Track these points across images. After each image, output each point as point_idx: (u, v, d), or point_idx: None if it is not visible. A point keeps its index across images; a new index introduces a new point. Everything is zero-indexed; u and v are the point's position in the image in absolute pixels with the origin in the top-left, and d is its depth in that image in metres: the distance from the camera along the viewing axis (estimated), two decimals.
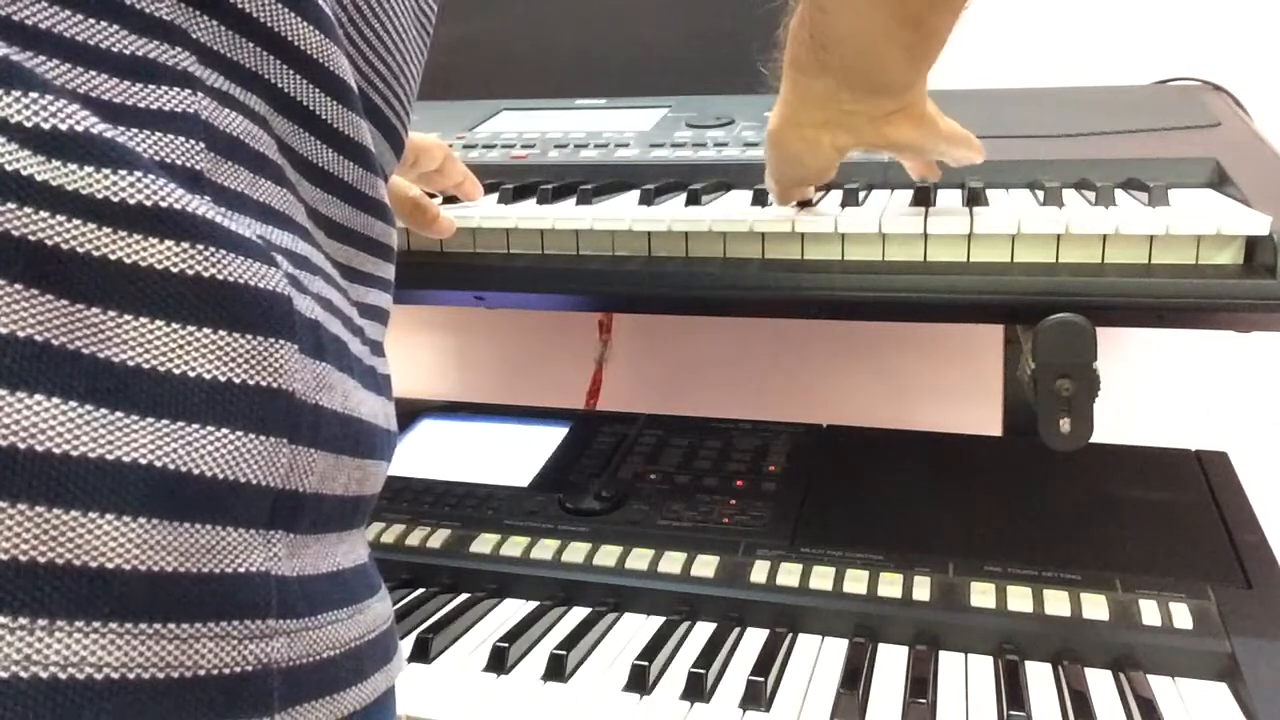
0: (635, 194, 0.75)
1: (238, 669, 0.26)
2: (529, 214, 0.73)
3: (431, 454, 0.95)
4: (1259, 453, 0.92)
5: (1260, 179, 0.69)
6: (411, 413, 1.00)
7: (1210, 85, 0.96)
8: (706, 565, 0.75)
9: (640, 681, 0.64)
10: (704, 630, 0.70)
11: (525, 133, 0.94)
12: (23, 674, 0.22)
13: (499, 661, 0.66)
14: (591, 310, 1.20)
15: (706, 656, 0.65)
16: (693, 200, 0.73)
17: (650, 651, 0.66)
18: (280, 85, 0.32)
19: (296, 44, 0.32)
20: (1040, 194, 0.71)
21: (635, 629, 0.72)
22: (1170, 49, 1.04)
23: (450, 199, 0.78)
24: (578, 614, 0.73)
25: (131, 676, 0.24)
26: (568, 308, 1.14)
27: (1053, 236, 0.63)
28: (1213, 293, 0.61)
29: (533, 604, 0.75)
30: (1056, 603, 0.69)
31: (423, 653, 0.68)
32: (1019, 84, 1.03)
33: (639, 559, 0.76)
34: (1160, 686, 0.63)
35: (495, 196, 0.77)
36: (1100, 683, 0.64)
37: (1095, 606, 0.68)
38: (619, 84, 1.03)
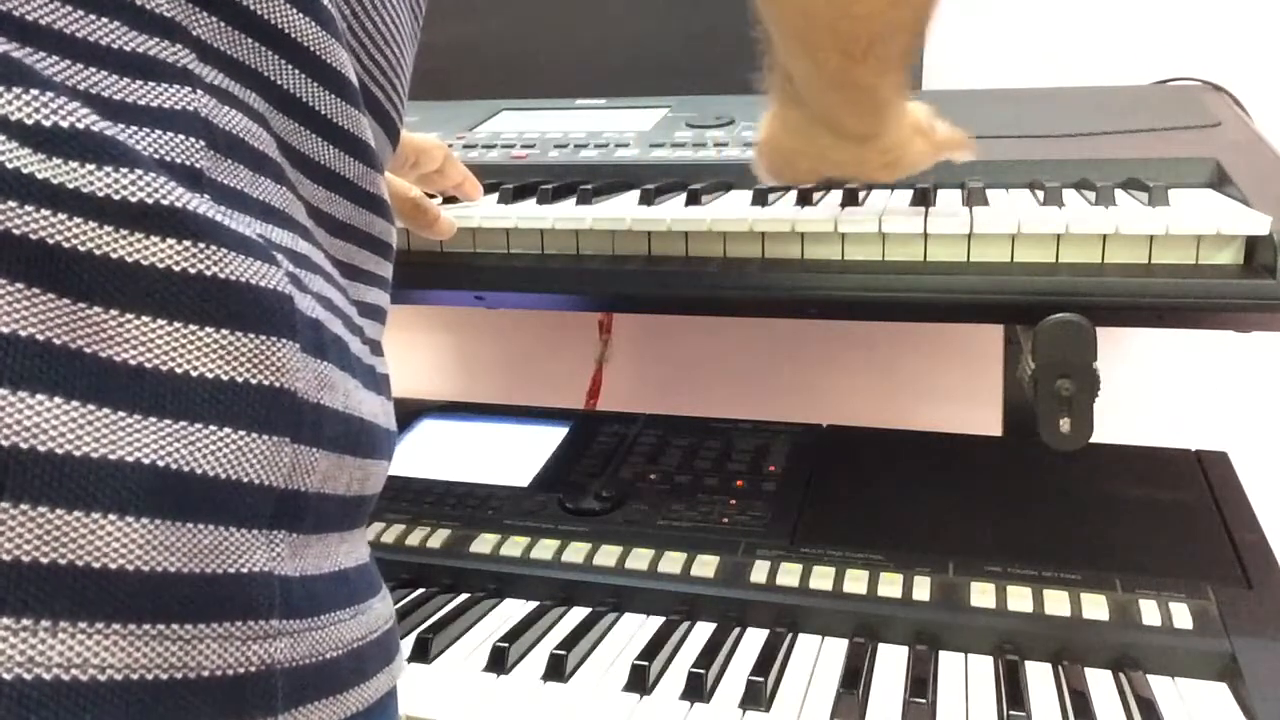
0: (635, 194, 0.75)
1: (241, 670, 0.26)
2: (529, 214, 0.73)
3: (431, 454, 0.95)
4: (1259, 453, 0.92)
5: (1260, 179, 0.69)
6: (411, 413, 1.00)
7: (1210, 85, 0.96)
8: (706, 565, 0.75)
9: (640, 681, 0.64)
10: (704, 630, 0.70)
11: (525, 133, 0.94)
12: (26, 675, 0.22)
13: (499, 661, 0.66)
14: (591, 310, 1.20)
15: (706, 656, 0.65)
16: (693, 200, 0.73)
17: (650, 651, 0.66)
18: (280, 82, 0.32)
19: (296, 39, 0.32)
20: (1040, 194, 0.71)
21: (635, 629, 0.72)
22: (1170, 49, 1.04)
23: (450, 199, 0.78)
24: (578, 614, 0.73)
25: (135, 678, 0.24)
26: (568, 308, 1.14)
27: (1053, 236, 0.63)
28: (1213, 293, 0.61)
29: (533, 604, 0.75)
30: (1056, 603, 0.69)
31: (423, 653, 0.68)
32: (1019, 84, 1.03)
33: (639, 559, 0.76)
34: (1160, 686, 0.62)
35: (495, 196, 0.77)
36: (1100, 683, 0.64)
37: (1095, 606, 0.68)
38: (619, 84, 1.03)
